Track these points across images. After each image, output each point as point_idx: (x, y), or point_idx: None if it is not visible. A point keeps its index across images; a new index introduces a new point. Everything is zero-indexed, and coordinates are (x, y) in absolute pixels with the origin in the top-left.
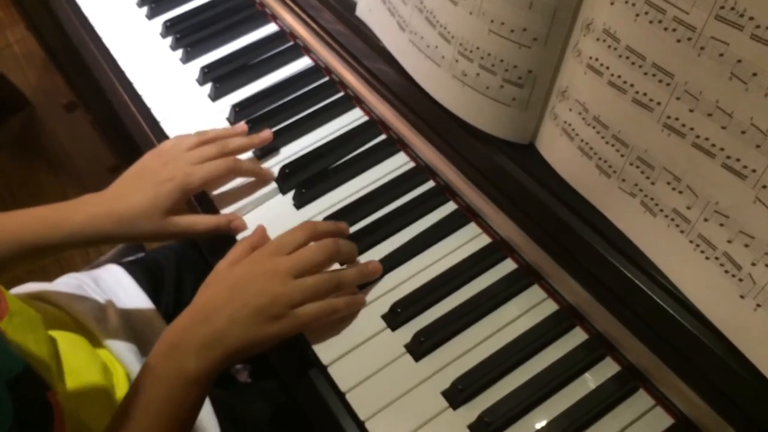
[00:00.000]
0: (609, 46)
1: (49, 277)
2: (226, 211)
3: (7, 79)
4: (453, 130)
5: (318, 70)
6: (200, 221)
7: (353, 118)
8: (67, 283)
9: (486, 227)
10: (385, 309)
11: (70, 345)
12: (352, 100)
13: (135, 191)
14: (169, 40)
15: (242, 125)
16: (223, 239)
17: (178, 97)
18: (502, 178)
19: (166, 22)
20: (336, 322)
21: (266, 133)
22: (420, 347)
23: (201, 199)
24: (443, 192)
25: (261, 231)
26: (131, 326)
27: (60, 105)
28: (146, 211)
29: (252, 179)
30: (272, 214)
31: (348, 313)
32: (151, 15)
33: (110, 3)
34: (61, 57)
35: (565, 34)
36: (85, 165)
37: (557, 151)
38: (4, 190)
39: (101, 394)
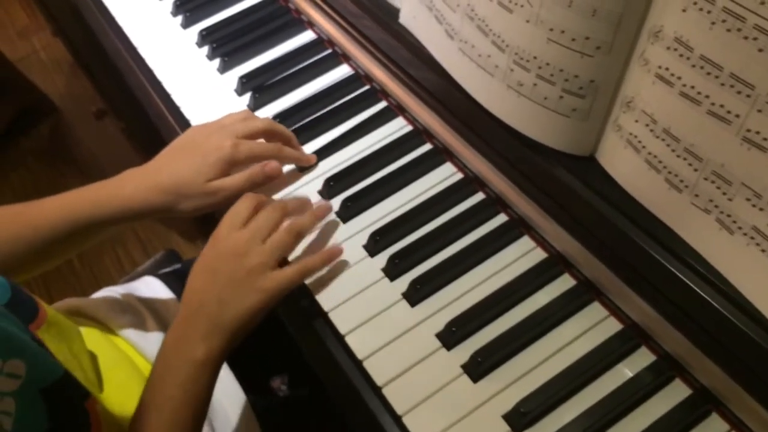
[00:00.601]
0: (681, 56)
1: (85, 290)
2: None
3: (35, 85)
4: (505, 140)
5: (358, 78)
6: (235, 177)
7: (396, 127)
8: (105, 298)
9: (541, 241)
10: (440, 327)
11: (111, 360)
12: (394, 109)
13: (180, 162)
14: (205, 49)
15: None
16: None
17: (217, 107)
18: (560, 190)
19: (201, 31)
20: (390, 339)
21: (312, 158)
22: (478, 368)
23: None
24: (494, 204)
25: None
26: None
27: (89, 112)
28: (191, 181)
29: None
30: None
31: (325, 266)
32: (186, 24)
33: (143, 12)
34: (92, 64)
35: (631, 43)
36: (114, 171)
37: (621, 163)
38: (34, 195)
39: None
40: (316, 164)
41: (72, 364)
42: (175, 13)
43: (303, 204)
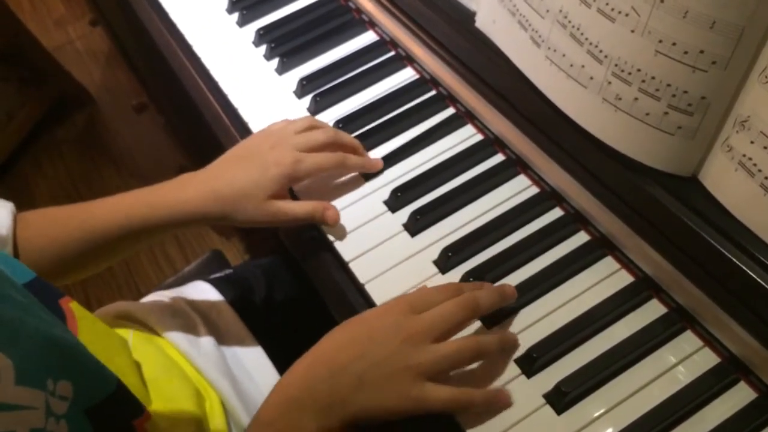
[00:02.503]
0: None
1: (123, 292)
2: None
3: (71, 75)
4: (592, 154)
5: (424, 82)
6: (297, 206)
7: (465, 135)
8: (155, 302)
9: (626, 263)
10: (521, 351)
11: (161, 369)
12: (464, 116)
13: (239, 171)
14: (262, 49)
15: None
16: (314, 245)
17: (276, 110)
18: (654, 210)
19: (258, 30)
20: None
21: (378, 163)
22: (564, 398)
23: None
24: (574, 221)
25: (424, 292)
26: (223, 346)
27: (127, 104)
28: (249, 193)
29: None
30: (382, 236)
31: (486, 408)
32: (242, 22)
33: (198, 8)
34: (135, 57)
35: (751, 58)
36: (150, 164)
37: (730, 187)
38: (69, 185)
39: (192, 423)
40: (381, 171)
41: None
42: (230, 11)
43: (494, 306)
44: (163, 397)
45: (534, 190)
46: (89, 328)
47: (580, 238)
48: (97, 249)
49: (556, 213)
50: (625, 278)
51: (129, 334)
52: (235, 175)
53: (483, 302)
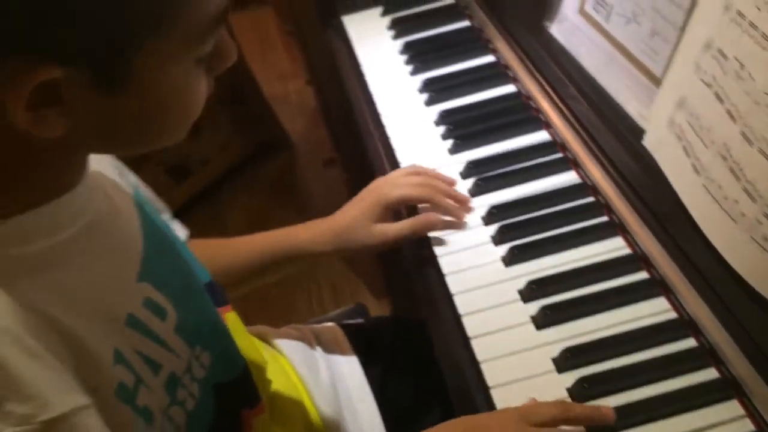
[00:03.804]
0: None
1: (274, 318)
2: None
3: (280, 123)
4: (734, 289)
5: (584, 188)
6: (400, 224)
7: (613, 246)
8: (289, 333)
9: (752, 412)
10: None
11: (281, 386)
12: (616, 228)
13: (351, 208)
14: (441, 129)
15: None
16: (445, 319)
17: None
18: None
19: (442, 111)
20: None
21: (467, 199)
22: None
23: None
24: (705, 355)
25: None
26: (341, 388)
27: (320, 157)
28: (356, 222)
29: None
30: (508, 321)
31: None
32: (429, 102)
33: (394, 83)
34: (334, 117)
35: None
36: (327, 212)
37: None
38: (255, 218)
39: None
40: (523, 260)
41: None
42: (421, 91)
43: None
44: (279, 412)
45: (671, 314)
46: (237, 333)
47: (709, 374)
48: (250, 270)
49: (689, 343)
50: (746, 427)
51: (263, 348)
52: (348, 211)
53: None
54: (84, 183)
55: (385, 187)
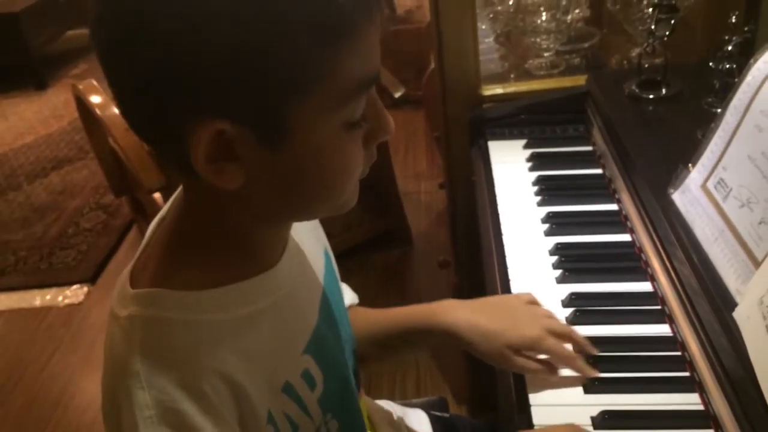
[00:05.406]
0: None
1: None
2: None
3: (406, 217)
4: None
5: (673, 342)
6: (525, 362)
7: (687, 399)
8: (382, 406)
9: None
10: None
11: None
12: (695, 385)
13: (496, 316)
14: (553, 258)
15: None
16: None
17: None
18: None
19: (557, 244)
20: None
21: (593, 373)
22: None
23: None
24: None
25: None
26: None
27: (436, 257)
28: (494, 337)
29: None
30: None
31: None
32: (548, 233)
33: (519, 204)
34: (458, 224)
35: None
36: None
37: None
38: (361, 302)
39: None
40: (600, 390)
41: None
42: (543, 221)
43: None
44: None
45: None
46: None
47: None
48: (390, 342)
49: None
50: None
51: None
52: (492, 317)
53: None
54: (286, 255)
55: (535, 324)
